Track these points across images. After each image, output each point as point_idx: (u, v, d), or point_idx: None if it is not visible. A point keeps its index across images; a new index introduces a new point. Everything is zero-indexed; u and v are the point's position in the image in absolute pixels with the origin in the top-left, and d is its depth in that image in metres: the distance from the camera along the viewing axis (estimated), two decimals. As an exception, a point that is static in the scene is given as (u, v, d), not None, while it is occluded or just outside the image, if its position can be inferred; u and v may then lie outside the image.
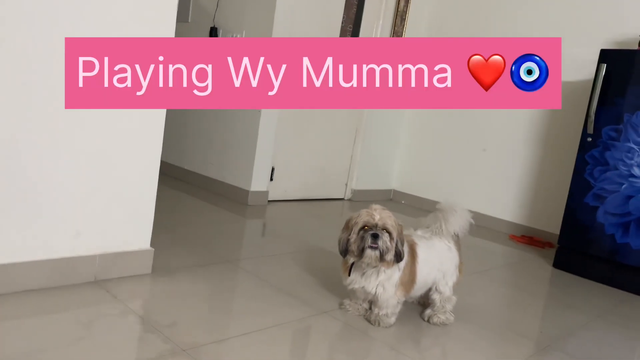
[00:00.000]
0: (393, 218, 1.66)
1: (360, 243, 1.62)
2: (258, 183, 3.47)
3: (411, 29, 4.29)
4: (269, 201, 3.58)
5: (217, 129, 3.66)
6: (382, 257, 1.62)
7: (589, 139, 2.88)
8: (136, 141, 1.81)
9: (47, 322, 1.45)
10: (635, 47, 3.00)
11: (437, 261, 1.82)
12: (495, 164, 3.94)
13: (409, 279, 1.74)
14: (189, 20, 3.87)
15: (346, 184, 4.22)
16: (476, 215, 3.98)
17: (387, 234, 1.62)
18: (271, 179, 3.58)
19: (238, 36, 3.48)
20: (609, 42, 3.37)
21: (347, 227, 1.69)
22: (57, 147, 1.62)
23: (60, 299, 1.60)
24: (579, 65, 3.51)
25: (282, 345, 1.53)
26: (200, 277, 1.98)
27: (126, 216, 1.84)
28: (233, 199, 3.49)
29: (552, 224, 3.58)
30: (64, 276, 1.69)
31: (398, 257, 1.64)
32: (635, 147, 2.71)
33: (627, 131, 2.74)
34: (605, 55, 2.84)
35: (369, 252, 1.61)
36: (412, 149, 4.48)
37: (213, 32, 3.63)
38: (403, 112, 4.46)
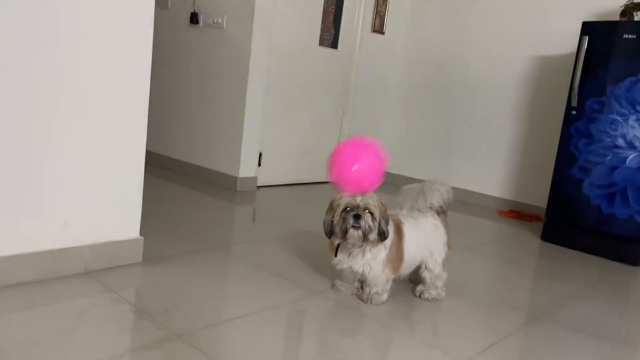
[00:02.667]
0: (375, 198, 1.68)
1: (342, 224, 1.64)
2: (246, 169, 3.46)
3: (394, 9, 4.27)
4: (257, 187, 3.58)
5: (203, 116, 3.63)
6: (365, 237, 1.63)
7: (573, 112, 2.90)
8: (120, 130, 1.79)
9: (39, 314, 1.44)
10: (617, 19, 3.01)
11: (423, 239, 1.84)
12: (482, 140, 3.97)
13: (397, 257, 1.75)
14: (169, 7, 3.81)
15: (335, 167, 4.21)
16: (465, 193, 4.04)
17: (369, 214, 1.63)
18: (259, 165, 3.57)
19: (219, 21, 3.44)
20: (591, 14, 3.38)
21: (331, 208, 1.70)
22: (42, 138, 1.60)
23: (51, 291, 1.59)
24: (562, 40, 3.52)
25: (276, 326, 1.55)
26: (192, 264, 1.98)
27: (114, 206, 1.83)
28: (222, 186, 3.48)
29: (540, 198, 3.63)
30: (54, 268, 1.68)
31: (382, 236, 1.66)
32: (618, 118, 2.74)
33: (610, 103, 2.77)
34: (587, 28, 2.85)
35: (351, 232, 1.63)
36: (399, 129, 4.48)
37: (194, 18, 3.58)
38: (389, 92, 4.46)
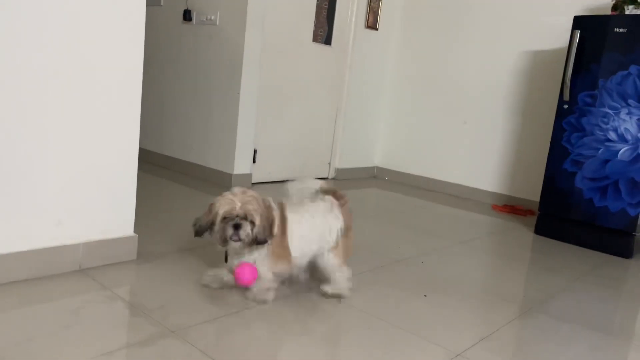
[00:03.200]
0: (256, 201, 1.61)
1: (222, 234, 1.58)
2: (241, 166, 3.46)
3: (387, 5, 4.27)
4: (252, 184, 3.58)
5: (197, 113, 3.63)
6: (246, 245, 1.59)
7: (566, 106, 2.92)
8: (113, 127, 1.79)
9: (34, 312, 1.45)
10: (608, 13, 3.03)
11: (308, 228, 1.72)
12: (475, 136, 3.98)
13: (282, 253, 1.68)
14: (162, 4, 3.80)
15: (329, 163, 4.23)
16: (459, 187, 4.06)
17: (249, 223, 1.57)
18: (254, 161, 3.57)
19: (212, 18, 3.43)
20: (583, 9, 3.40)
21: (209, 212, 1.62)
22: (34, 136, 1.60)
23: (45, 289, 1.59)
24: (554, 34, 3.53)
25: (270, 321, 1.55)
26: (187, 261, 1.98)
27: (107, 203, 1.83)
28: (216, 183, 3.48)
29: (533, 192, 3.65)
30: (48, 266, 1.68)
31: (261, 242, 1.60)
32: (610, 111, 2.76)
33: (602, 96, 2.78)
34: (579, 22, 2.86)
35: (232, 244, 1.59)
36: (394, 125, 4.49)
37: (187, 15, 3.57)
38: (383, 88, 4.46)
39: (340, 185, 3.99)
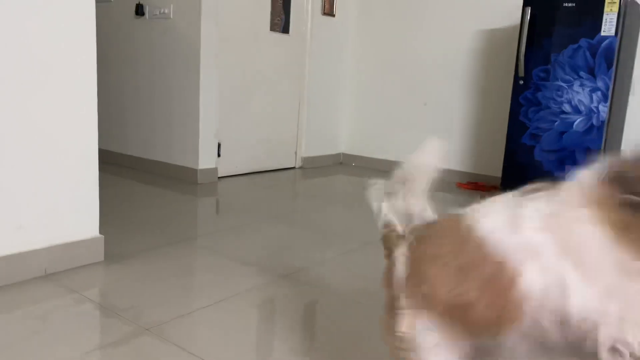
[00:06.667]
0: None
1: None
2: (206, 160, 3.42)
3: (341, 2, 4.27)
4: (219, 178, 3.55)
5: (156, 109, 3.56)
6: None
7: (521, 82, 2.99)
8: (70, 128, 1.74)
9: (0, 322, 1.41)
10: (556, -11, 3.11)
11: None
12: (436, 116, 4.04)
13: None
14: (111, 0, 3.70)
15: (295, 152, 4.22)
16: (424, 168, 4.11)
17: None
18: (219, 155, 3.54)
19: (166, 11, 3.36)
20: (532, -14, 3.47)
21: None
22: (-17, 141, 1.54)
23: (10, 297, 1.55)
24: (506, 12, 3.61)
25: (246, 312, 1.55)
26: (156, 259, 1.96)
27: (70, 205, 1.78)
28: (182, 179, 3.44)
29: (495, 168, 3.74)
30: (11, 273, 1.63)
31: None
32: (564, 84, 2.84)
33: (555, 70, 2.87)
34: (529, -1, 2.93)
35: None
36: (357, 110, 4.52)
37: (139, 10, 3.49)
38: (344, 75, 4.48)
39: (307, 174, 3.99)
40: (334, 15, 4.24)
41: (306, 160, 4.27)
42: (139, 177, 3.48)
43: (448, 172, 4.02)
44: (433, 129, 4.07)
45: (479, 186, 3.70)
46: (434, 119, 4.05)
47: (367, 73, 4.40)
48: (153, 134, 3.61)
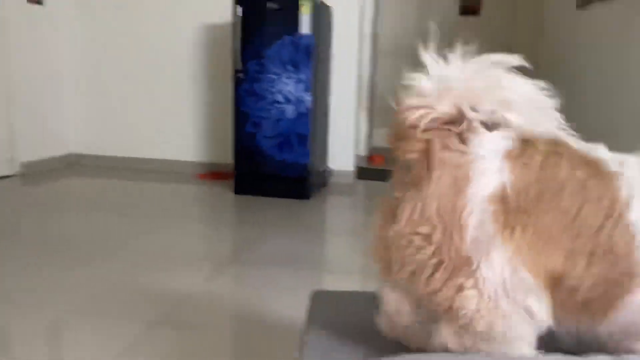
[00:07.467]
0: None
1: None
2: None
3: (49, -25, 3.88)
4: None
5: None
6: None
7: (240, 75, 3.22)
8: None
9: None
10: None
11: None
12: (167, 108, 4.06)
13: None
14: None
15: (12, 158, 3.72)
16: (159, 162, 4.11)
17: None
18: None
19: None
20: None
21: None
22: None
23: None
24: (224, 9, 3.81)
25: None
26: None
27: None
28: None
29: (229, 156, 3.96)
30: None
31: None
32: (275, 77, 3.16)
33: (267, 64, 3.16)
34: (239, -2, 3.15)
35: None
36: (86, 107, 4.21)
37: None
38: (65, 68, 4.10)
39: (32, 180, 3.57)
40: (41, 4, 3.83)
41: (27, 165, 3.81)
42: None
43: (184, 164, 4.09)
44: (167, 122, 4.07)
45: (216, 175, 3.87)
46: (165, 112, 4.06)
47: (94, 68, 4.13)
48: None
